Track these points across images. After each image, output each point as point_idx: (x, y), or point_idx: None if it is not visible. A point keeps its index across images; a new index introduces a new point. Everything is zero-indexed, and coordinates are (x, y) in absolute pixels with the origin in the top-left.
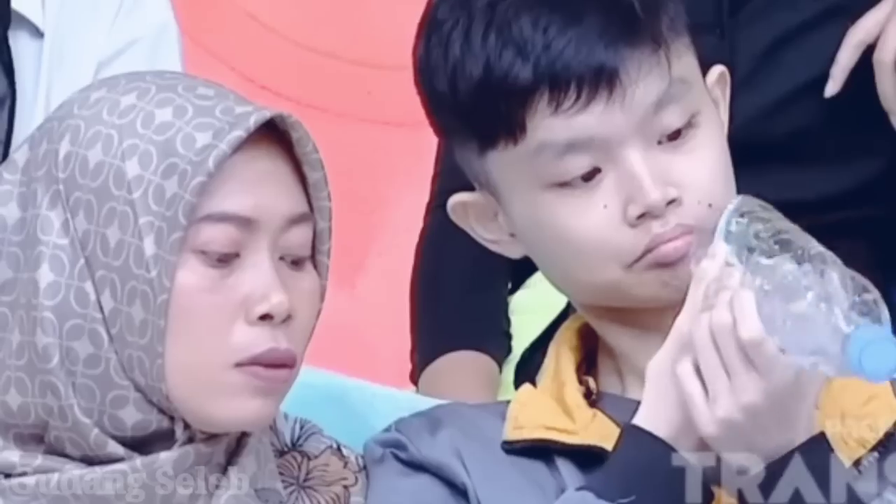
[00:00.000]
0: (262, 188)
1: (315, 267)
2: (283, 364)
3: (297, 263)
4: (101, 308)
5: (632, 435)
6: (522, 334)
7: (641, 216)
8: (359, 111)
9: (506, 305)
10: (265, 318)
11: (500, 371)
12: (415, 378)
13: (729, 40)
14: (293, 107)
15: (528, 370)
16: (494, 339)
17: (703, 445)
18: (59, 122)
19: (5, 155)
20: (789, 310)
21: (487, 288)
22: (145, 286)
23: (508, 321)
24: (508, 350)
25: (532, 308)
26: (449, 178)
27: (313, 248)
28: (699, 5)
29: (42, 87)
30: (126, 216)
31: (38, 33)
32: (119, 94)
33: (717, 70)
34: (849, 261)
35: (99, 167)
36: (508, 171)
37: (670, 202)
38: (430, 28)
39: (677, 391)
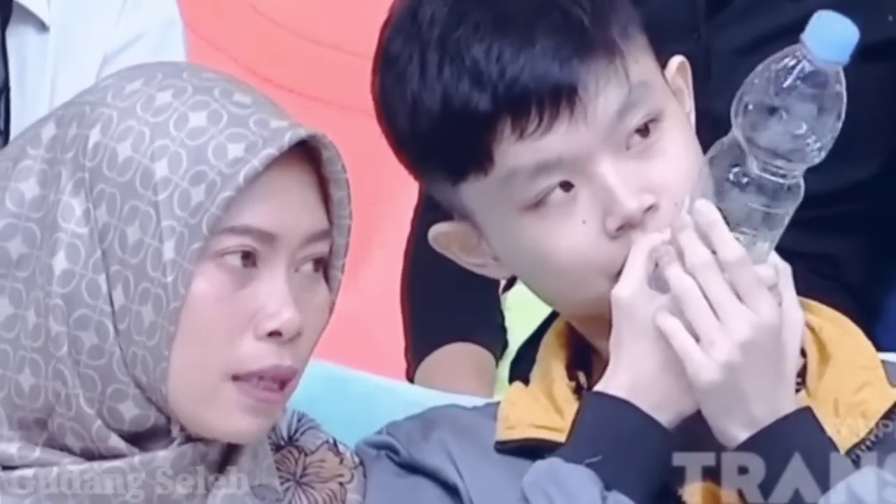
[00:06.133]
0: (286, 205)
1: (327, 281)
2: (282, 380)
3: (310, 278)
4: (111, 302)
5: (591, 399)
6: (518, 330)
7: (621, 227)
8: (361, 103)
9: (497, 299)
10: (273, 334)
11: (497, 364)
12: (410, 376)
13: (705, 44)
14: (295, 98)
15: (522, 366)
16: (488, 330)
17: (662, 403)
18: (92, 109)
19: (4, 145)
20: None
21: (479, 283)
22: (159, 290)
23: (502, 315)
24: (504, 343)
25: (527, 304)
26: None
27: (328, 260)
28: (675, 9)
29: (47, 80)
30: (148, 216)
31: (43, 27)
32: (155, 89)
33: (676, 60)
34: (849, 257)
35: (127, 163)
36: (483, 201)
37: (647, 209)
38: (384, 65)
39: (632, 356)
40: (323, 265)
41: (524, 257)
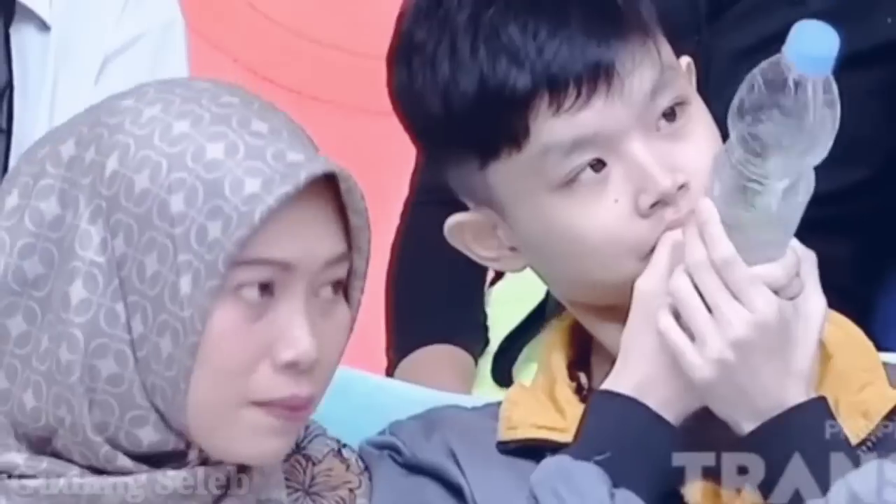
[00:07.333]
0: (304, 234)
1: (347, 301)
2: (300, 408)
3: (330, 301)
4: (129, 330)
5: (598, 398)
6: (501, 325)
7: (654, 205)
8: (360, 102)
9: (482, 298)
10: (290, 365)
11: (476, 363)
12: (390, 373)
13: (706, 47)
14: (294, 98)
15: (505, 361)
16: (469, 331)
17: (670, 400)
18: (110, 134)
19: (7, 144)
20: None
21: (465, 281)
22: (177, 323)
23: (485, 314)
24: (485, 343)
25: (511, 299)
26: (430, 174)
27: (347, 282)
28: (676, 11)
29: (48, 80)
30: (166, 249)
31: (45, 27)
32: (173, 117)
33: (685, 61)
34: (842, 258)
35: (144, 194)
36: (513, 181)
37: (680, 187)
38: (408, 54)
39: (642, 351)
40: (342, 286)
41: (550, 240)
